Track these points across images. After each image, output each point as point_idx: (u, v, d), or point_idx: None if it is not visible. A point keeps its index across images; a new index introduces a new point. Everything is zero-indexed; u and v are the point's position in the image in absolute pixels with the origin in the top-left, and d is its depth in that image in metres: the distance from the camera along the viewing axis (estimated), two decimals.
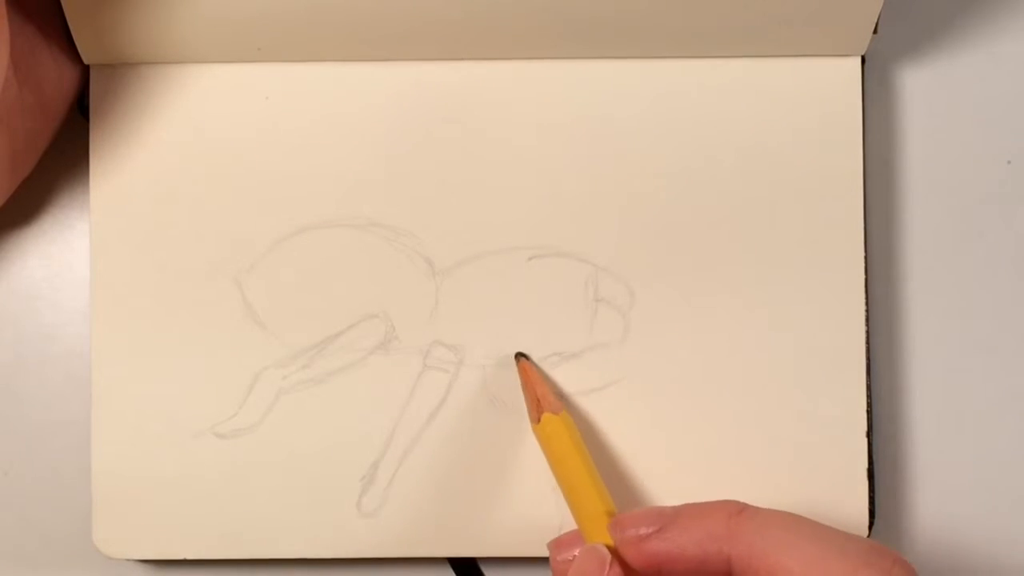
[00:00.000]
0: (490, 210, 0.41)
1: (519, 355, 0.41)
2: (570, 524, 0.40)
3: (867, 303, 0.41)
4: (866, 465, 0.40)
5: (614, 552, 0.36)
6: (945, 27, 0.43)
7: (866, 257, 0.41)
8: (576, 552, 0.37)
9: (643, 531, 0.35)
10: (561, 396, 0.41)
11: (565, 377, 0.41)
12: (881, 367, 0.42)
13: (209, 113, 0.41)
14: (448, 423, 0.41)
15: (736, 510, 0.35)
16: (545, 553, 0.40)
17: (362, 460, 0.41)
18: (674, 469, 0.41)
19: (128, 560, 0.42)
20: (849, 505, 0.40)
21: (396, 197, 0.41)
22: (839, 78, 0.41)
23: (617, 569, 0.35)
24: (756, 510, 0.35)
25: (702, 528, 0.35)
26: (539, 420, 0.39)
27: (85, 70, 0.41)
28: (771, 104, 0.41)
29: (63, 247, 0.43)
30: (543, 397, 0.39)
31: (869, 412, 0.40)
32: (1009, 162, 0.42)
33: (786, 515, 0.35)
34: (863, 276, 0.41)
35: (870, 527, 0.40)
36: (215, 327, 0.41)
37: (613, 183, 0.41)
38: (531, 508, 0.41)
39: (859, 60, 0.41)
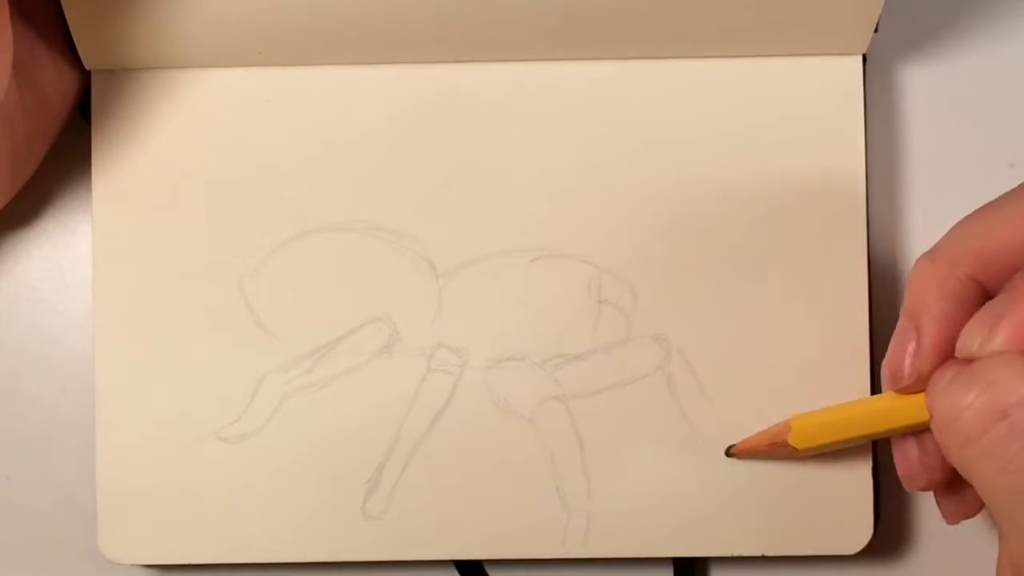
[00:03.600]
0: (492, 212, 0.41)
1: (729, 451, 0.40)
2: (573, 528, 0.40)
3: (870, 303, 0.41)
4: (871, 464, 0.40)
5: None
6: (947, 26, 0.43)
7: (869, 257, 0.41)
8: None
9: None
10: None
11: (568, 379, 0.41)
12: None
13: (210, 117, 0.41)
14: (452, 425, 0.41)
15: None
16: (550, 554, 0.41)
17: (367, 463, 0.41)
18: (676, 470, 0.41)
19: (133, 565, 0.42)
20: (854, 504, 0.40)
21: (398, 200, 0.41)
22: (840, 77, 0.41)
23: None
24: None
25: None
26: (791, 430, 0.38)
27: (87, 73, 0.41)
28: (772, 104, 0.41)
29: (66, 250, 0.43)
30: (772, 435, 0.39)
31: None
32: (1012, 165, 0.42)
33: None
34: (866, 276, 0.41)
35: (875, 526, 0.40)
36: (218, 331, 0.41)
37: (615, 185, 0.41)
38: (536, 510, 0.41)
39: (860, 59, 0.41)
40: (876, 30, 0.40)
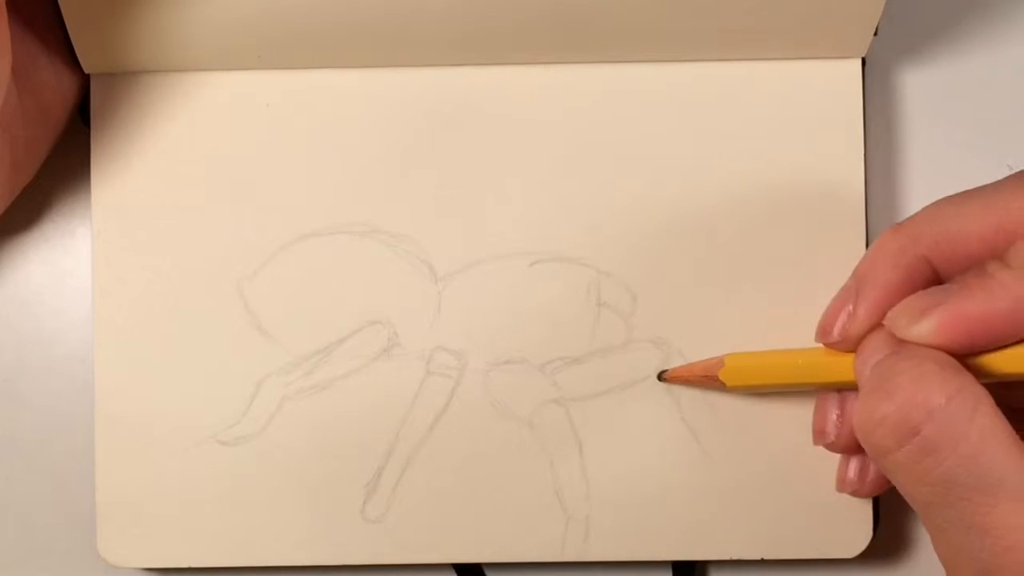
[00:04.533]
0: (491, 215, 0.41)
1: (661, 376, 0.41)
2: (572, 531, 0.40)
3: None
4: None
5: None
6: (946, 30, 0.43)
7: None
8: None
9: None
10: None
11: (568, 382, 0.41)
12: None
13: (210, 121, 0.41)
14: (451, 429, 0.41)
15: None
16: (549, 558, 0.40)
17: (366, 466, 0.41)
18: (675, 473, 0.41)
19: (132, 568, 0.42)
20: (853, 507, 0.40)
21: (397, 203, 0.41)
22: (839, 80, 0.41)
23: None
24: None
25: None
26: (723, 366, 0.39)
27: (86, 77, 0.41)
28: (771, 107, 0.41)
29: (65, 253, 0.43)
30: (704, 367, 0.39)
31: None
32: (1010, 166, 0.42)
33: None
34: None
35: (874, 529, 0.40)
36: (217, 334, 0.41)
37: (614, 188, 0.41)
38: (535, 513, 0.41)
39: (859, 62, 0.41)
40: (875, 33, 0.40)
